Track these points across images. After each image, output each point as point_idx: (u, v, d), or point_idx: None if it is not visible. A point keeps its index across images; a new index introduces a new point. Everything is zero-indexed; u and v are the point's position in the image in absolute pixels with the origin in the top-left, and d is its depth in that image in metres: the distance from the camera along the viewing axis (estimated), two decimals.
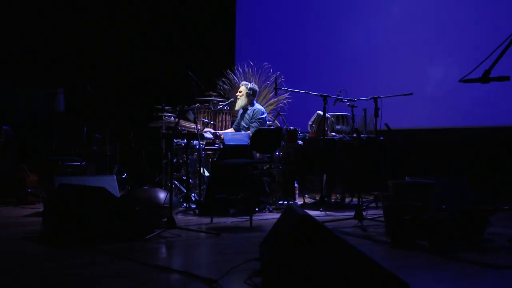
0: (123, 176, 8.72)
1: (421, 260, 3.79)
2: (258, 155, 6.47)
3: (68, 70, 10.40)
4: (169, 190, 6.58)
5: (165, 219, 5.29)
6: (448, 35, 8.35)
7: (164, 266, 3.30)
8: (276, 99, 8.74)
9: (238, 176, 5.87)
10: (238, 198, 5.89)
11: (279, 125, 8.04)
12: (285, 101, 8.61)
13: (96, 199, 4.36)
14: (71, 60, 10.53)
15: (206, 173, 6.80)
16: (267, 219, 5.75)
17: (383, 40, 9.07)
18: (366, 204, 7.12)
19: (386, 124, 5.99)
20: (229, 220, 5.64)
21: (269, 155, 6.61)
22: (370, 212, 6.28)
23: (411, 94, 6.92)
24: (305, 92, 6.82)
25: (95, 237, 4.19)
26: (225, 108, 7.64)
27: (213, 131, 7.00)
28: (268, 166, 6.01)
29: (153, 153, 9.24)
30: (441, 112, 8.33)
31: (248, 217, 5.76)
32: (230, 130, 7.33)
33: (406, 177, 5.91)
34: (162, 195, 5.52)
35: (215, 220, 5.55)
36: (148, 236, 4.37)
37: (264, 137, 5.72)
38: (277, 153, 6.72)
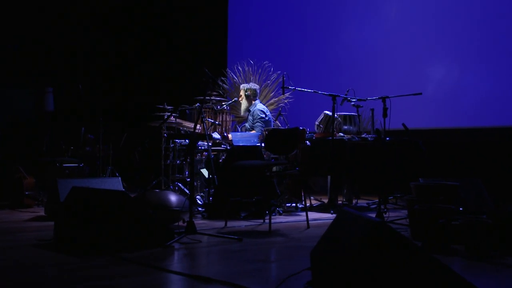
0: None
1: (463, 266, 3.63)
2: (264, 155, 6.28)
3: (58, 68, 10.06)
4: (177, 192, 6.39)
5: (177, 223, 5.11)
6: (449, 35, 8.26)
7: (206, 277, 3.08)
8: (276, 98, 8.55)
9: (251, 178, 5.66)
10: (252, 201, 5.68)
11: (279, 125, 7.85)
12: (286, 101, 8.42)
13: (115, 204, 4.11)
14: (61, 58, 10.18)
15: (206, 174, 6.58)
16: (281, 222, 5.57)
17: (382, 39, 8.94)
18: (372, 205, 6.99)
19: (403, 124, 5.84)
20: (242, 224, 5.43)
21: (277, 156, 6.47)
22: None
23: (420, 94, 6.82)
24: (314, 91, 6.65)
25: (114, 244, 3.94)
26: (226, 108, 7.43)
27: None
28: (284, 167, 5.80)
29: (149, 154, 9.00)
30: (443, 112, 8.23)
31: (261, 221, 5.62)
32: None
33: (420, 179, 5.77)
34: (173, 198, 5.27)
35: (228, 223, 5.33)
36: (169, 243, 4.13)
37: (279, 137, 5.52)
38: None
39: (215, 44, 10.93)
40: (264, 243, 4.45)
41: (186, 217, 5.15)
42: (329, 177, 7.00)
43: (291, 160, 6.10)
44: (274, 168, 5.74)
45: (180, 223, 5.06)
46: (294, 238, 4.67)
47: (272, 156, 6.37)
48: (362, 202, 7.26)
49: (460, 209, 5.28)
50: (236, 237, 4.46)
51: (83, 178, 6.72)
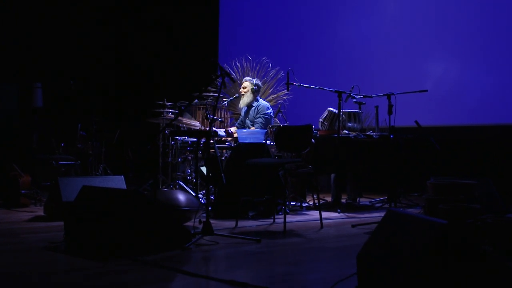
0: None
1: None
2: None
3: (48, 63, 9.75)
4: (185, 191, 6.20)
5: (193, 224, 4.91)
6: (450, 31, 8.18)
7: (243, 282, 2.91)
8: (275, 95, 8.40)
9: (260, 176, 5.51)
10: (262, 200, 5.52)
11: (278, 122, 7.71)
12: (284, 97, 8.27)
13: (130, 204, 3.91)
14: (51, 52, 9.87)
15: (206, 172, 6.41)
16: (291, 222, 5.41)
17: (380, 35, 8.83)
18: (377, 204, 6.91)
19: (416, 122, 5.73)
20: (253, 224, 5.27)
21: (281, 154, 6.33)
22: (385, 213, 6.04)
23: (426, 91, 6.73)
24: (319, 87, 6.53)
25: (131, 246, 3.75)
26: (224, 104, 7.27)
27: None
28: (295, 166, 5.65)
29: (145, 151, 8.81)
30: (443, 110, 8.15)
31: (271, 220, 5.47)
32: (233, 128, 6.99)
33: (431, 178, 5.67)
34: (182, 197, 5.08)
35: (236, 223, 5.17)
36: (188, 244, 3.96)
37: (291, 134, 5.37)
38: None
39: (206, 39, 10.71)
40: (284, 244, 4.31)
41: (194, 217, 5.01)
42: (332, 175, 6.89)
43: (303, 158, 5.96)
44: None
45: (196, 223, 4.88)
46: (312, 238, 4.54)
47: (276, 154, 6.24)
48: (364, 201, 7.16)
49: None
50: (254, 238, 4.30)
51: (83, 176, 6.48)
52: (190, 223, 4.94)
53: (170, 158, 6.73)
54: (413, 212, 2.49)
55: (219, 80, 4.77)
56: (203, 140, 6.21)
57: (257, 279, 3.10)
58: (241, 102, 6.84)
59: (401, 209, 5.64)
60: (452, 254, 2.15)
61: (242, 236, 4.40)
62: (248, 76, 7.72)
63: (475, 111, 7.87)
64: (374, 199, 7.20)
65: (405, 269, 2.28)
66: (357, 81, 6.94)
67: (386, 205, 6.66)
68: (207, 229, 4.25)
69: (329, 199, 7.00)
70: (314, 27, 9.55)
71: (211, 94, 7.23)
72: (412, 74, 8.33)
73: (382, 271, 2.50)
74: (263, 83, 8.33)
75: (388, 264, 2.46)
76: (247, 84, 6.77)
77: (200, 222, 4.90)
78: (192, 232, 4.27)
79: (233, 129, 6.95)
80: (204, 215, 5.59)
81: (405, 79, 8.21)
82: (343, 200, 6.88)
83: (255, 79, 6.95)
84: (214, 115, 4.70)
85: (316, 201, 6.86)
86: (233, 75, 8.61)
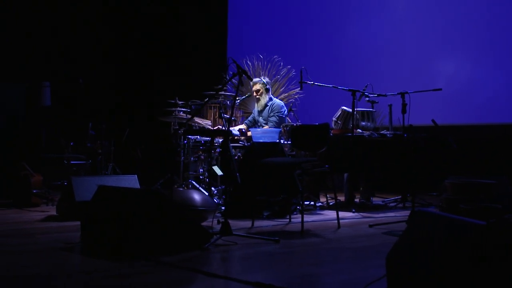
0: None
1: None
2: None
3: (56, 62, 9.70)
4: (198, 190, 6.14)
5: (211, 224, 4.87)
6: (461, 29, 8.10)
7: (269, 284, 2.85)
8: (286, 94, 8.33)
9: (276, 176, 5.45)
10: (279, 199, 5.46)
11: (290, 121, 7.65)
12: (296, 96, 8.20)
13: (148, 204, 3.86)
14: (59, 51, 9.82)
15: (219, 172, 6.35)
16: (307, 221, 5.30)
17: (390, 33, 8.76)
18: (390, 203, 6.84)
19: (433, 120, 5.67)
20: (268, 224, 5.22)
21: (294, 153, 6.28)
22: (400, 213, 6.00)
23: (440, 89, 6.66)
24: (333, 86, 6.46)
25: (149, 247, 3.70)
26: (236, 103, 7.20)
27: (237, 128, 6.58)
28: (313, 165, 5.58)
29: (154, 151, 8.76)
30: (455, 109, 8.08)
31: (286, 220, 5.42)
32: (242, 126, 6.94)
33: (450, 177, 5.60)
34: (197, 197, 5.03)
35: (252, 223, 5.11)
36: (207, 245, 3.90)
37: (308, 133, 5.31)
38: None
39: (214, 38, 10.64)
40: (302, 244, 4.25)
41: (210, 217, 4.97)
42: (345, 174, 6.83)
43: (318, 157, 5.91)
44: None
45: (214, 223, 4.84)
46: (330, 239, 4.48)
47: (289, 153, 6.18)
48: (377, 200, 7.10)
49: None
50: (273, 238, 4.24)
51: (96, 176, 6.43)
52: (206, 223, 4.90)
53: (182, 157, 6.66)
54: (442, 213, 2.45)
55: (234, 78, 4.72)
56: (218, 139, 6.23)
57: (278, 280, 3.03)
58: (258, 105, 6.75)
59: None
60: (493, 256, 2.09)
61: (261, 237, 4.34)
62: (258, 75, 7.67)
63: (486, 110, 7.80)
64: (386, 198, 7.14)
65: (442, 271, 2.22)
66: (367, 79, 6.87)
67: (400, 205, 6.61)
68: (226, 229, 4.19)
69: (341, 198, 6.94)
70: (325, 25, 9.47)
71: (223, 93, 7.16)
72: (422, 73, 8.25)
73: (415, 273, 2.44)
74: (274, 82, 8.28)
75: (421, 266, 2.40)
76: (259, 86, 6.69)
77: (218, 222, 4.85)
78: (211, 232, 4.23)
79: (242, 126, 6.91)
80: (219, 215, 5.63)
81: (416, 78, 8.14)
82: (356, 200, 6.83)
83: (262, 77, 6.89)
84: (231, 115, 4.64)
85: (329, 201, 6.82)
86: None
